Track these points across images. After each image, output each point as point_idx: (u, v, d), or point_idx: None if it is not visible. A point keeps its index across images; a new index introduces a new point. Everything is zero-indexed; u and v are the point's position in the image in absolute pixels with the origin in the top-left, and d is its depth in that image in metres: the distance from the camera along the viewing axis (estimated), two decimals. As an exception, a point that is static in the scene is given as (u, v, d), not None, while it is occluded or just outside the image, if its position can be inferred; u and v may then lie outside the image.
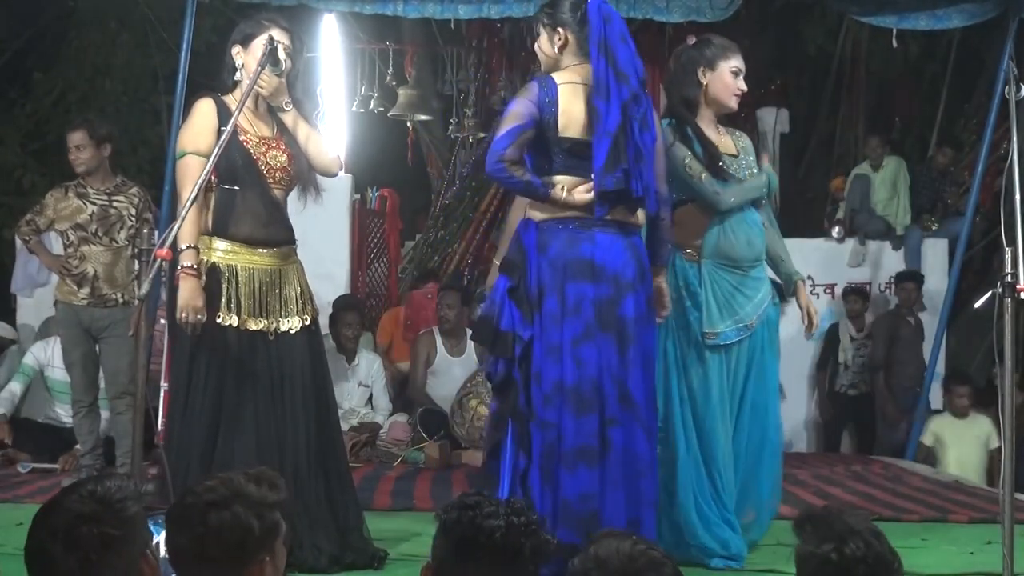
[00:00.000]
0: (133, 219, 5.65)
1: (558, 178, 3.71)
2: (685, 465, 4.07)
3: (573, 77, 3.73)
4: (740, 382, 4.21)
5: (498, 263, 4.18)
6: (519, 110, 3.69)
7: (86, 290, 5.60)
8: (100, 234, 5.60)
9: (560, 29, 3.80)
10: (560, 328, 3.65)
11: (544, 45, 3.86)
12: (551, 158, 3.73)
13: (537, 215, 3.74)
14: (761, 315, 4.21)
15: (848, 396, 8.59)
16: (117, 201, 5.65)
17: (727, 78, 4.22)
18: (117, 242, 5.64)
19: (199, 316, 3.74)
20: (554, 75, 3.76)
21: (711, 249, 4.16)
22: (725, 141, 4.29)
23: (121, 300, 5.64)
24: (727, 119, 4.41)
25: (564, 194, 3.68)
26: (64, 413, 6.35)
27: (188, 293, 3.73)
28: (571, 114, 3.69)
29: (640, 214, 3.84)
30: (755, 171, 4.29)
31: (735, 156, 4.27)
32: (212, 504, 2.06)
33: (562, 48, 3.81)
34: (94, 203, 5.62)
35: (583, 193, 3.68)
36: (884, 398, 8.44)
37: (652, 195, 3.76)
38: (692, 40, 4.31)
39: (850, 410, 8.65)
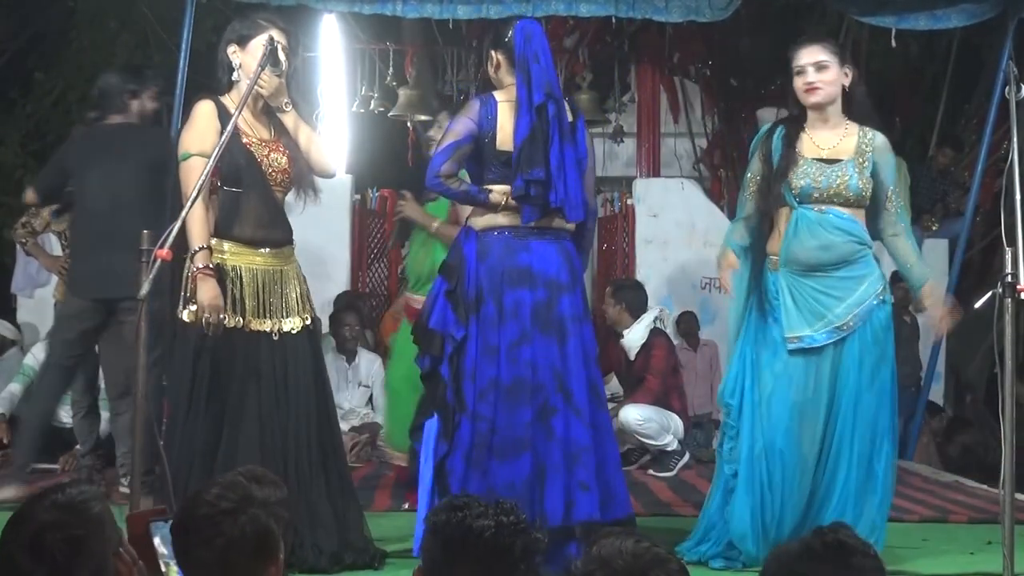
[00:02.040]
0: None
1: (494, 186, 3.99)
2: (748, 468, 4.14)
3: (510, 96, 4.03)
4: (846, 382, 4.14)
5: None
6: (457, 128, 4.00)
7: (86, 290, 5.58)
8: None
9: (493, 52, 4.15)
10: (497, 331, 3.91)
11: (488, 68, 4.22)
12: (489, 169, 4.01)
13: (477, 224, 4.02)
14: (860, 315, 4.14)
15: None
16: None
17: (795, 81, 4.22)
18: (116, 242, 5.63)
19: (221, 315, 3.75)
20: (495, 93, 4.08)
21: (784, 257, 4.18)
22: (842, 145, 4.20)
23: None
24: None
25: (502, 199, 3.96)
26: (64, 413, 6.33)
27: (208, 293, 3.73)
28: (507, 130, 3.98)
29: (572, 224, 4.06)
30: (849, 178, 4.15)
31: (832, 162, 4.18)
32: (229, 512, 2.07)
33: (497, 69, 4.14)
34: None
35: (501, 197, 3.96)
36: None
37: (576, 205, 3.98)
38: None
39: None
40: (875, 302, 4.19)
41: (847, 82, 4.21)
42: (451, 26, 6.74)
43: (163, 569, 2.39)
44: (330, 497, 3.92)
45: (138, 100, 5.33)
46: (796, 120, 4.27)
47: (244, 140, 3.89)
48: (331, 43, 9.12)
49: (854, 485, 4.13)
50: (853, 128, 4.24)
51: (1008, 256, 3.51)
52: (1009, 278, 3.49)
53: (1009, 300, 3.49)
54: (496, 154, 3.98)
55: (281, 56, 3.89)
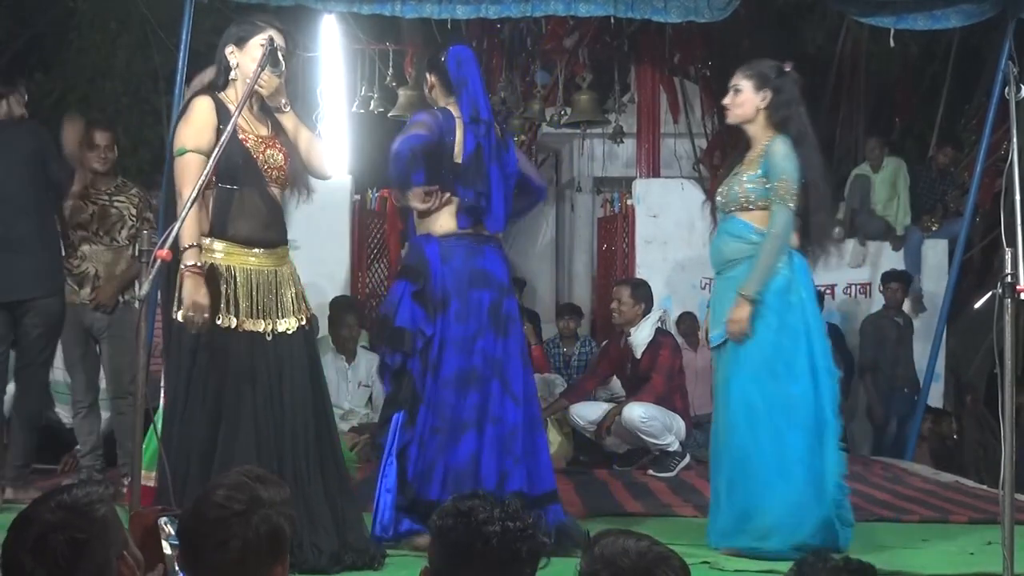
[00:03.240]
0: (134, 219, 5.65)
1: (421, 189, 4.31)
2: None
3: (457, 112, 4.38)
4: (734, 378, 4.41)
5: None
6: (429, 122, 4.32)
7: (87, 290, 5.60)
8: (101, 234, 5.60)
9: (428, 74, 4.53)
10: (464, 326, 4.32)
11: (426, 88, 4.57)
12: (440, 175, 4.33)
13: (437, 231, 4.37)
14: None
15: None
16: (118, 201, 5.65)
17: None
18: (118, 242, 5.64)
19: (205, 315, 3.74)
20: (450, 108, 4.40)
21: None
22: (752, 157, 4.53)
23: (122, 300, 5.64)
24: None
25: (415, 201, 4.32)
26: (64, 413, 6.35)
27: (193, 292, 3.72)
28: (461, 143, 4.35)
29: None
30: (733, 184, 4.49)
31: (736, 174, 4.54)
32: (241, 513, 2.06)
33: (431, 89, 4.51)
34: (95, 203, 5.62)
35: (419, 199, 4.31)
36: (873, 400, 8.43)
37: (498, 218, 4.39)
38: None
39: None
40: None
41: (763, 104, 4.48)
42: (450, 26, 6.73)
43: (169, 564, 2.39)
44: (328, 497, 3.91)
45: (4, 101, 5.26)
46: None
47: (241, 137, 3.88)
48: (331, 43, 9.12)
49: (726, 475, 4.38)
50: (760, 146, 4.51)
51: (1008, 256, 3.51)
52: (1009, 278, 3.48)
53: (1009, 300, 3.49)
54: (452, 165, 4.34)
55: (280, 56, 3.89)
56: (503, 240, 4.65)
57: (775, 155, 4.39)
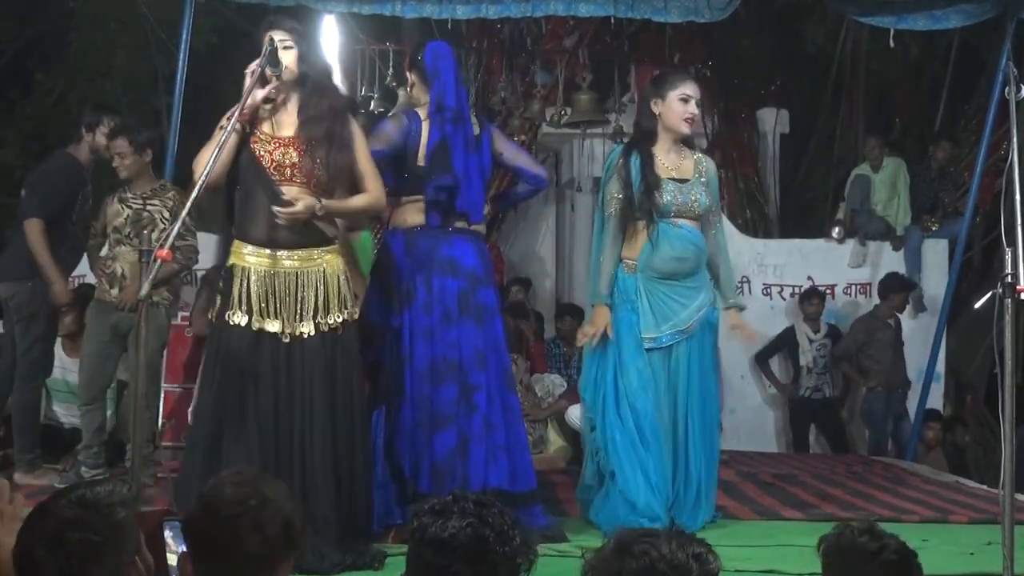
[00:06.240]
0: (166, 221, 5.65)
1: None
2: (624, 446, 4.61)
3: (424, 114, 4.45)
4: (684, 378, 4.70)
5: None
6: (391, 134, 4.40)
7: (115, 290, 5.64)
8: (132, 236, 5.63)
9: (409, 73, 4.63)
10: (429, 314, 4.34)
11: (408, 86, 4.69)
12: (406, 180, 4.44)
13: (403, 223, 4.46)
14: (700, 319, 4.74)
15: (813, 400, 8.51)
16: (151, 204, 5.67)
17: (677, 108, 4.76)
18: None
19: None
20: (418, 111, 4.50)
21: (643, 263, 4.72)
22: (684, 165, 4.80)
23: (150, 301, 5.64)
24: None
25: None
26: (63, 413, 6.37)
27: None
28: (426, 145, 4.42)
29: (481, 225, 4.59)
30: (700, 199, 4.75)
31: (686, 183, 4.75)
32: (255, 508, 2.05)
33: (412, 87, 4.61)
34: (130, 207, 5.68)
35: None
36: (867, 400, 8.43)
37: (479, 210, 4.49)
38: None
39: (816, 413, 8.60)
40: (709, 308, 4.80)
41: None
42: (450, 26, 6.74)
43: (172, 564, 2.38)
44: (338, 503, 3.87)
45: (92, 134, 5.68)
46: (647, 140, 4.80)
47: (251, 138, 3.90)
48: (331, 43, 9.12)
49: (703, 455, 4.74)
50: (685, 152, 4.85)
51: (1008, 256, 3.50)
52: (1009, 278, 3.48)
53: (1009, 300, 3.49)
54: (415, 168, 4.42)
55: (281, 57, 3.90)
56: (504, 238, 4.66)
57: (712, 171, 4.87)
